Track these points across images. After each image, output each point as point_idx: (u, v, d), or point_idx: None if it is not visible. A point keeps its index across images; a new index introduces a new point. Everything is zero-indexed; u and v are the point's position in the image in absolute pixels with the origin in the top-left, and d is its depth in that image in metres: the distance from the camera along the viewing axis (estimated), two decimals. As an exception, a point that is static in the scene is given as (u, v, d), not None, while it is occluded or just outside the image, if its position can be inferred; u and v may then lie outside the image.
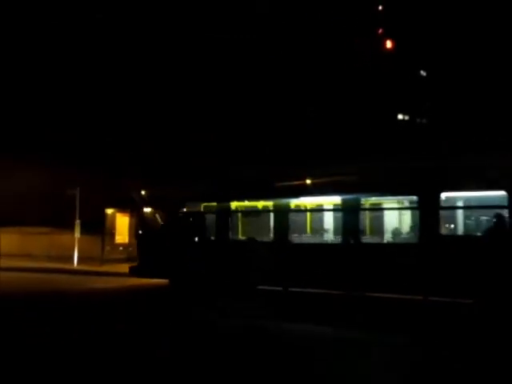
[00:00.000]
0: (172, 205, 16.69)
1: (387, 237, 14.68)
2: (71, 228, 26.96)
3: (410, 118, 24.63)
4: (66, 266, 25.23)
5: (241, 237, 16.30)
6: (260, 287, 15.42)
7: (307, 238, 15.73)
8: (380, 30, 24.03)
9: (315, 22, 24.26)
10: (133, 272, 17.26)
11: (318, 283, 14.33)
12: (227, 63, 25.79)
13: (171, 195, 16.89)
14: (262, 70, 24.78)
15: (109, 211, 30.10)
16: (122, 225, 30.04)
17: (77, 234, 26.63)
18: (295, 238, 15.38)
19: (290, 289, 15.01)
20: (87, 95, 29.56)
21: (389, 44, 23.77)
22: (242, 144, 21.57)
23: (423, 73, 25.32)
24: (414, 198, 13.51)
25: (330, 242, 15.00)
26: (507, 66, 22.40)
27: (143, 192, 17.23)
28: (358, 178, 13.92)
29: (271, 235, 15.33)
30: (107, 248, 29.11)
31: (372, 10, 25.43)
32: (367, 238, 14.46)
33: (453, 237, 13.44)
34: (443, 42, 23.38)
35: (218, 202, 16.17)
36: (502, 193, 12.57)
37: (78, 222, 26.56)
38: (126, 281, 18.69)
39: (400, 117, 24.64)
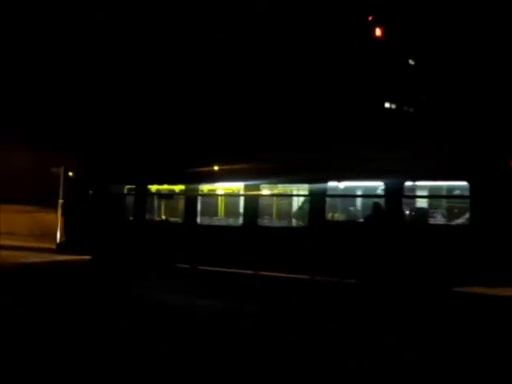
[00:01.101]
0: (97, 186, 17.77)
1: (282, 221, 15.83)
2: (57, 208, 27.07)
3: (396, 106, 24.94)
4: (45, 245, 25.11)
5: (157, 218, 17.41)
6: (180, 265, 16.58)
7: (215, 220, 16.83)
8: (370, 17, 24.34)
9: (315, 22, 24.65)
10: (59, 248, 18.38)
11: (221, 262, 15.50)
12: (227, 63, 26.22)
13: (96, 177, 18.00)
14: (262, 69, 25.14)
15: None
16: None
17: (60, 214, 26.68)
18: (204, 220, 16.48)
19: (199, 267, 16.17)
20: (88, 95, 29.87)
21: (378, 32, 24.06)
22: (240, 144, 22.08)
23: (411, 62, 25.53)
24: (306, 186, 14.61)
25: (232, 224, 16.09)
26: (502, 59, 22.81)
27: (71, 173, 18.29)
28: (259, 167, 15.05)
29: (183, 217, 16.43)
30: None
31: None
32: (265, 222, 15.56)
33: (338, 222, 14.58)
34: (434, 32, 23.76)
35: (138, 185, 17.25)
36: (381, 183, 13.71)
37: (61, 201, 26.56)
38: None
39: (387, 105, 24.90)
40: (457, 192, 13.56)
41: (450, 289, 13.02)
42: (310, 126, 18.74)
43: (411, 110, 24.71)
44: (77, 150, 26.76)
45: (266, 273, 15.15)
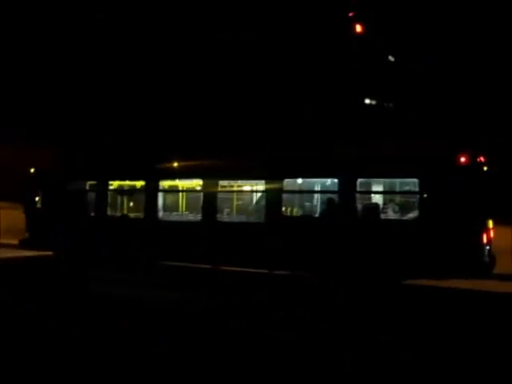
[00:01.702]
0: (59, 182, 17.86)
1: (240, 216, 16.17)
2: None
3: (376, 102, 25.22)
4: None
5: (118, 213, 17.59)
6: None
7: (175, 216, 17.07)
8: (351, 14, 24.59)
9: (315, 21, 24.79)
10: (22, 244, 18.42)
11: (182, 257, 15.81)
12: (227, 63, 26.27)
13: (58, 174, 18.10)
14: (262, 69, 25.19)
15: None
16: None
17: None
18: (163, 215, 16.72)
19: (160, 262, 16.42)
20: (88, 95, 29.61)
21: (358, 28, 24.31)
22: (240, 143, 22.08)
23: (391, 58, 25.82)
24: (263, 182, 14.98)
25: (192, 220, 16.35)
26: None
27: (32, 170, 18.35)
28: (218, 164, 15.38)
29: (144, 213, 16.65)
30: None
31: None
32: (224, 217, 15.88)
33: (293, 217, 15.00)
34: (414, 28, 24.09)
35: (99, 181, 17.39)
36: (334, 180, 14.17)
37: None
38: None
39: (367, 101, 25.16)
40: (407, 188, 14.08)
41: (399, 282, 13.58)
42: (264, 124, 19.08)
43: (391, 105, 25.07)
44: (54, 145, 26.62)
45: (225, 267, 15.48)
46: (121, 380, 6.83)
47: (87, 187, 17.74)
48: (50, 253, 17.94)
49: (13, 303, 11.42)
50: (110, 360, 7.60)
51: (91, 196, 17.65)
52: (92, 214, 17.51)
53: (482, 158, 13.32)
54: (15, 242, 19.22)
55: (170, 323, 9.88)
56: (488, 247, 13.17)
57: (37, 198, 18.24)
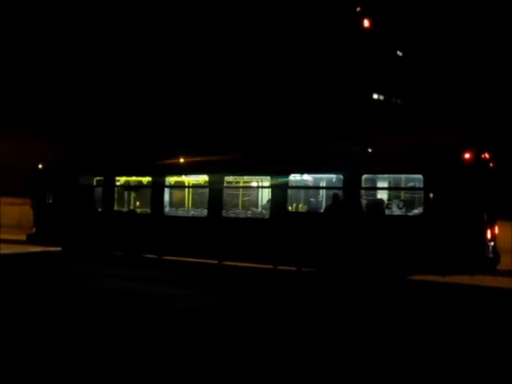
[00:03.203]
0: (65, 178, 18.00)
1: (244, 212, 16.25)
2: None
3: (384, 98, 25.21)
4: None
5: (124, 209, 17.72)
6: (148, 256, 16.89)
7: (180, 211, 17.18)
8: (358, 9, 24.58)
9: (315, 25, 24.82)
10: (29, 240, 18.57)
11: (187, 252, 15.92)
12: (227, 63, 26.41)
13: (65, 169, 18.24)
14: (262, 72, 25.30)
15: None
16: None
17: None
18: (169, 211, 16.84)
19: (163, 257, 16.57)
20: (88, 95, 29.76)
21: (366, 23, 24.29)
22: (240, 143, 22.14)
23: (399, 53, 25.79)
24: (268, 177, 15.05)
25: (196, 215, 16.45)
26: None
27: (40, 165, 18.49)
28: (224, 160, 15.45)
29: (149, 208, 16.76)
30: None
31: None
32: (229, 213, 15.95)
33: (298, 213, 15.06)
34: (422, 24, 24.07)
35: (106, 177, 17.52)
36: (339, 176, 14.21)
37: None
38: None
39: (375, 96, 25.13)
40: (412, 184, 14.10)
41: (404, 277, 13.61)
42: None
43: (398, 101, 25.04)
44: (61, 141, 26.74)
45: (229, 262, 15.61)
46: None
47: (94, 183, 17.87)
48: (58, 248, 18.10)
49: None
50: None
51: (98, 192, 17.78)
52: (99, 210, 17.65)
53: (486, 155, 13.34)
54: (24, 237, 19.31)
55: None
56: (492, 244, 13.21)
57: (44, 194, 18.35)
